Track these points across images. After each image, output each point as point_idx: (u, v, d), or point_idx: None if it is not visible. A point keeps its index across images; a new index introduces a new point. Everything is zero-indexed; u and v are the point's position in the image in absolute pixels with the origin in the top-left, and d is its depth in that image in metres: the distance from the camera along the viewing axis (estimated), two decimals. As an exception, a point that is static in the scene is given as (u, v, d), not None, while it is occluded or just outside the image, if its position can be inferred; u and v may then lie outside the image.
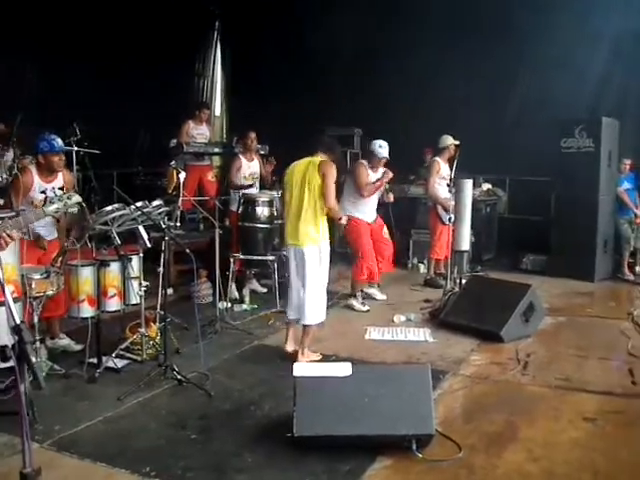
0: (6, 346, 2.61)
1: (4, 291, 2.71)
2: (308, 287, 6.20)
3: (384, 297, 8.77)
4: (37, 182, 6.00)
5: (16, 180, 6.04)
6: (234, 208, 8.53)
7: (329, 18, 12.23)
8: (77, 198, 4.59)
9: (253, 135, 8.79)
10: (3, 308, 5.26)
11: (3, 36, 10.90)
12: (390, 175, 8.29)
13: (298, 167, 6.30)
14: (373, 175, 8.28)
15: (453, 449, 4.49)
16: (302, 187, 6.18)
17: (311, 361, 6.01)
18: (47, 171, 6.07)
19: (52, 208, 3.63)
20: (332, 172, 6.10)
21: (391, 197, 8.68)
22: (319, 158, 6.25)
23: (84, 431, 4.79)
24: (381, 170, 8.36)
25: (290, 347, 6.51)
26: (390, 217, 9.23)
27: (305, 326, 6.28)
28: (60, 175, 6.22)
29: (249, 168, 8.76)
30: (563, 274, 9.86)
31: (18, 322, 2.63)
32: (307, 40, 12.02)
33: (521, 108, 11.84)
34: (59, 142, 6.08)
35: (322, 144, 6.46)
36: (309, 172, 6.15)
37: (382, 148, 8.27)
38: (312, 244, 6.16)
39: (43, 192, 5.98)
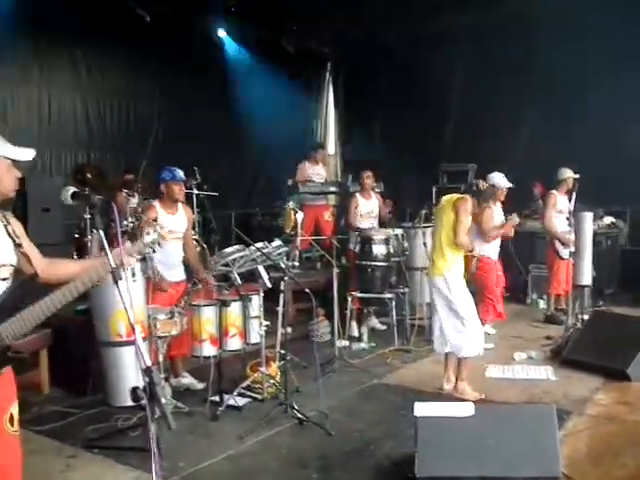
0: (138, 387, 2.70)
1: (135, 332, 2.80)
2: (442, 317, 6.23)
3: (494, 331, 8.59)
4: (161, 214, 6.23)
5: (140, 219, 6.30)
6: (352, 247, 8.57)
7: (440, 57, 12.31)
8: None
9: (367, 174, 8.85)
10: (131, 347, 5.50)
11: (131, 85, 11.45)
12: (516, 221, 8.08)
13: (442, 202, 6.44)
14: (496, 210, 8.08)
15: (581, 493, 4.34)
16: (440, 221, 6.31)
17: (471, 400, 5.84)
18: (169, 201, 6.34)
19: (149, 238, 3.74)
20: (466, 209, 6.14)
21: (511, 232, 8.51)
22: (457, 196, 6.33)
23: (207, 469, 4.89)
24: (499, 206, 8.19)
25: (446, 385, 6.44)
26: (510, 251, 9.07)
27: (458, 359, 6.25)
28: (181, 209, 6.49)
29: (366, 206, 8.81)
30: (692, 308, 9.42)
31: (149, 364, 2.72)
32: (419, 78, 12.07)
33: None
34: (180, 172, 6.40)
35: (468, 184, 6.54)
36: (447, 208, 6.25)
37: (502, 179, 8.11)
38: (438, 274, 6.20)
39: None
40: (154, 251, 3.98)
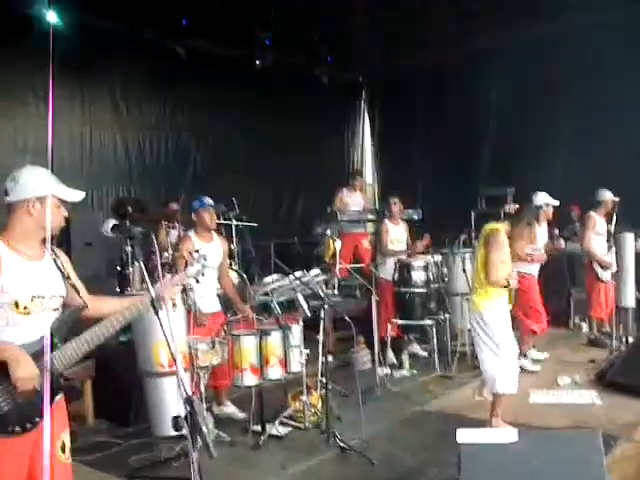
0: (179, 416, 2.74)
1: (176, 362, 2.85)
2: (483, 353, 6.03)
3: (545, 355, 8.49)
4: (197, 243, 6.30)
5: (178, 249, 6.38)
6: (384, 275, 8.56)
7: (475, 79, 12.32)
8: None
9: (394, 200, 8.87)
10: (173, 378, 5.56)
11: (168, 119, 11.64)
12: (562, 246, 8.04)
13: (482, 232, 6.13)
14: (540, 231, 7.99)
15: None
16: (478, 252, 6.09)
17: None
18: (202, 229, 6.46)
19: (193, 270, 3.81)
20: (497, 242, 5.82)
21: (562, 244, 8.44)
22: (491, 226, 6.03)
23: (251, 499, 4.90)
24: (545, 226, 8.15)
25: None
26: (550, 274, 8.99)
27: (493, 394, 6.05)
28: (217, 238, 6.63)
29: (395, 233, 8.82)
30: None
31: (190, 393, 2.75)
32: (454, 102, 12.09)
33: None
34: (208, 199, 6.56)
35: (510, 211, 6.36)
36: (481, 240, 6.03)
37: (547, 197, 8.10)
38: (475, 310, 6.01)
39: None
40: (197, 281, 4.04)
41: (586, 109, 11.48)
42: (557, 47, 11.59)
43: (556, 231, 8.31)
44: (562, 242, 8.38)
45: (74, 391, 3.76)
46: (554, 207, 8.21)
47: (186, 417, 2.73)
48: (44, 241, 3.36)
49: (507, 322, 6.04)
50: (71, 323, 3.30)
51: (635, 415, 6.32)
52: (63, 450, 3.31)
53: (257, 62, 12.21)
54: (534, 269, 8.08)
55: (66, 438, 3.34)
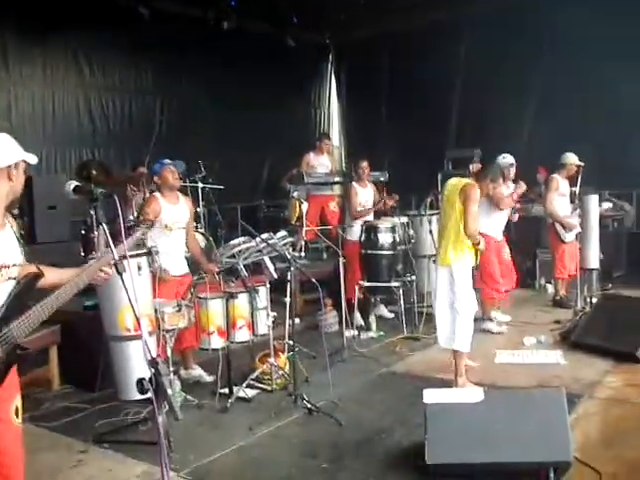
0: (144, 379, 2.71)
1: (141, 325, 2.81)
2: (439, 307, 6.13)
3: (508, 318, 8.58)
4: (164, 205, 6.30)
5: (144, 211, 6.35)
6: (352, 237, 8.54)
7: (443, 44, 12.29)
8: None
9: (364, 164, 8.80)
10: (139, 341, 5.51)
11: (132, 81, 11.48)
12: (524, 187, 8.12)
13: (449, 186, 6.18)
14: (506, 190, 8.06)
15: (593, 477, 4.31)
16: (447, 209, 6.12)
17: None
18: (167, 190, 6.38)
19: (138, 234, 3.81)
20: (474, 196, 5.91)
21: (516, 217, 8.54)
22: (465, 181, 6.10)
23: (218, 460, 4.89)
24: (512, 185, 8.21)
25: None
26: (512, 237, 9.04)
27: (454, 351, 6.13)
28: (182, 199, 6.57)
29: (363, 195, 8.79)
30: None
31: (154, 355, 2.72)
32: (422, 66, 12.05)
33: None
34: (167, 160, 6.51)
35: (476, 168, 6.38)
36: (454, 194, 6.02)
37: (510, 157, 8.16)
38: (445, 265, 6.06)
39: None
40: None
41: (552, 73, 11.53)
42: (524, 14, 11.62)
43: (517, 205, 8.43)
44: (516, 216, 8.60)
45: (29, 360, 3.74)
46: (517, 169, 8.26)
47: (151, 379, 2.70)
48: (8, 208, 3.30)
49: (470, 280, 6.12)
50: (27, 291, 3.24)
51: (598, 374, 6.42)
52: (17, 415, 3.31)
53: (224, 24, 12.06)
54: (494, 230, 8.07)
55: (19, 403, 3.34)
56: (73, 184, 3.55)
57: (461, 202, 5.95)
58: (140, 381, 2.72)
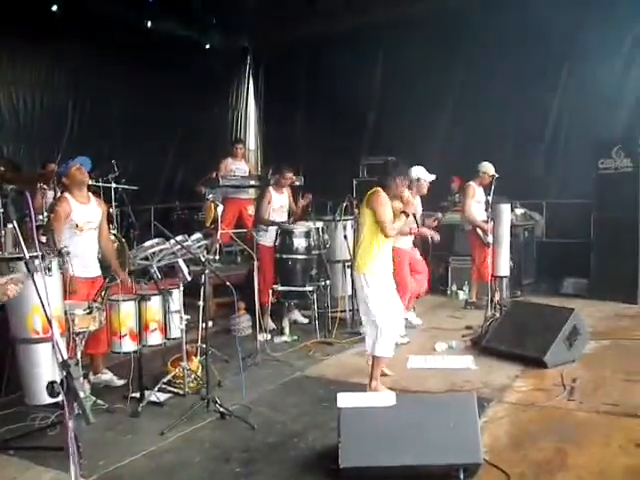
0: (54, 382, 2.64)
1: (52, 327, 2.74)
2: (366, 316, 6.16)
3: (420, 322, 8.70)
4: (74, 205, 6.19)
5: (54, 211, 6.23)
6: (264, 242, 8.51)
7: (360, 52, 12.42)
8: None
9: (290, 175, 8.79)
10: (49, 344, 5.37)
11: (44, 76, 11.20)
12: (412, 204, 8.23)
13: (365, 197, 6.23)
14: (417, 202, 8.11)
15: (501, 478, 4.41)
16: (360, 218, 6.26)
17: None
18: (76, 189, 6.26)
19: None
20: (380, 202, 5.97)
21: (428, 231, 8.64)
22: (373, 190, 6.13)
23: (128, 466, 4.80)
24: (418, 199, 8.27)
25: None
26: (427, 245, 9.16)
27: (374, 356, 6.16)
28: (94, 199, 6.46)
29: (279, 201, 8.79)
30: (605, 297, 9.70)
31: (65, 358, 2.66)
32: (340, 70, 12.13)
33: (556, 130, 11.78)
34: (76, 158, 6.36)
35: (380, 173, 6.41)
36: (363, 204, 6.15)
37: (424, 171, 8.25)
38: (358, 272, 6.13)
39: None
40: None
41: (468, 83, 11.78)
42: (439, 22, 11.84)
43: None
44: (433, 222, 8.83)
45: None
46: (431, 182, 8.37)
47: (62, 382, 2.63)
48: None
49: (388, 286, 6.19)
50: None
51: (507, 378, 6.56)
52: None
53: (147, 23, 11.95)
54: (404, 241, 8.16)
55: None
56: (-19, 181, 3.44)
57: (370, 211, 6.03)
58: (51, 384, 2.65)
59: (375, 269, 6.07)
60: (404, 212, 6.12)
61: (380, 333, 6.03)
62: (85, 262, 6.19)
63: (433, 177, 8.32)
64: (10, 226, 4.06)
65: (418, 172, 8.22)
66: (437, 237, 8.62)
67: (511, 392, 6.18)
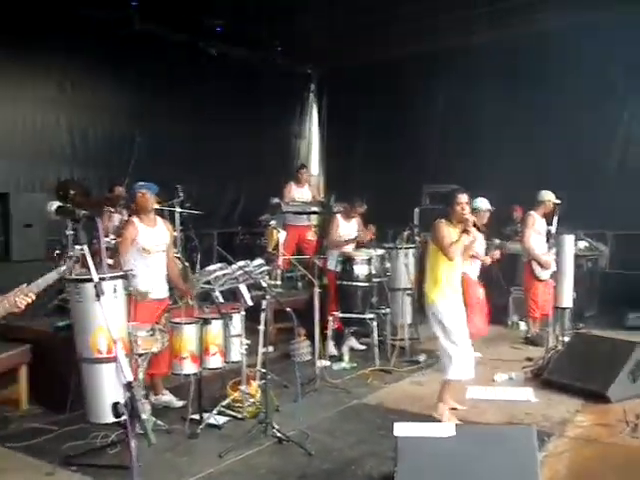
0: (118, 402, 2.70)
1: (116, 348, 2.81)
2: (440, 340, 6.18)
3: (479, 355, 8.61)
4: (141, 228, 6.35)
5: (121, 234, 6.43)
6: (332, 267, 8.58)
7: (423, 79, 12.44)
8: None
9: (361, 208, 8.93)
10: (112, 364, 5.47)
11: (114, 102, 11.47)
12: (488, 261, 8.44)
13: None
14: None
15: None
16: (429, 248, 6.37)
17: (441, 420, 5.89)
18: (143, 213, 6.43)
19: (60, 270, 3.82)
20: (439, 231, 6.11)
21: (488, 260, 8.60)
22: (436, 222, 6.26)
23: (186, 487, 4.85)
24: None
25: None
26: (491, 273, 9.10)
27: (443, 380, 6.22)
28: (161, 222, 6.63)
29: (346, 228, 8.83)
30: (671, 331, 9.48)
31: (130, 379, 2.72)
32: (402, 97, 12.16)
33: (622, 159, 11.62)
34: (140, 183, 6.54)
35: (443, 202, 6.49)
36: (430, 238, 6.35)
37: (484, 202, 8.27)
38: (430, 303, 6.18)
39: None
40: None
41: (529, 112, 11.68)
42: (504, 51, 11.78)
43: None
44: (497, 253, 8.77)
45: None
46: (492, 211, 8.35)
47: (126, 403, 2.69)
48: None
49: (460, 311, 6.21)
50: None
51: (568, 412, 6.46)
52: None
53: (212, 51, 12.19)
54: (472, 270, 8.15)
55: None
56: (55, 204, 3.56)
57: (433, 242, 6.19)
58: (115, 405, 2.71)
59: (447, 292, 6.12)
60: (465, 230, 6.13)
61: (457, 356, 6.05)
62: (153, 283, 6.32)
63: (491, 208, 8.29)
64: (78, 247, 4.17)
65: (477, 202, 8.20)
66: (488, 260, 8.56)
67: (572, 426, 6.08)
